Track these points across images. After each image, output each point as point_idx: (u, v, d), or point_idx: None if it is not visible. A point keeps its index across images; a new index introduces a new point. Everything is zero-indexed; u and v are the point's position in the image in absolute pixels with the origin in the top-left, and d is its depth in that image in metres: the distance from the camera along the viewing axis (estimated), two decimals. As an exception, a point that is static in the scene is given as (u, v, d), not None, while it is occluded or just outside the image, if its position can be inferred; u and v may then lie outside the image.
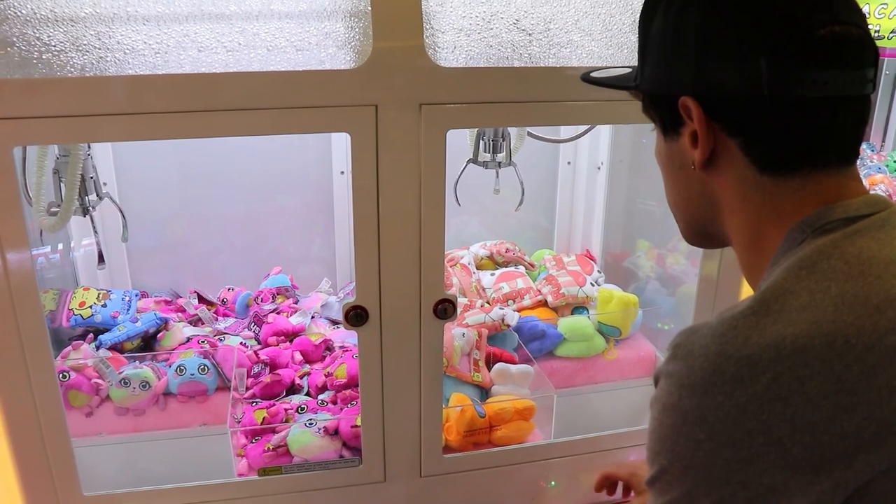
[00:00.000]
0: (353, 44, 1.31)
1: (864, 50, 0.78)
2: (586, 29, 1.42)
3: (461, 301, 2.02)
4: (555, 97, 1.40)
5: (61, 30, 1.20)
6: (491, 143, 1.84)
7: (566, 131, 2.15)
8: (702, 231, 0.95)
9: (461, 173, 1.91)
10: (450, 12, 1.35)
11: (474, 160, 1.89)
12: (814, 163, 0.80)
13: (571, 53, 1.41)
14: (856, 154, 0.83)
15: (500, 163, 1.88)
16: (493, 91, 1.37)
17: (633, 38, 1.43)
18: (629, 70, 1.01)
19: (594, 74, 1.06)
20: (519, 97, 1.38)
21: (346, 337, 1.97)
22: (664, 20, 0.85)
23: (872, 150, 2.91)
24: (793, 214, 0.80)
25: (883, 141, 3.13)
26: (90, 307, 1.94)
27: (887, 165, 2.83)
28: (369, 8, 1.29)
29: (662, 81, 0.87)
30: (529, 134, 1.99)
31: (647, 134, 2.13)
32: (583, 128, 2.05)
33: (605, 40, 1.43)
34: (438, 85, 1.33)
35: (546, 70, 1.39)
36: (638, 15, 1.43)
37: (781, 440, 0.67)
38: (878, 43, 1.96)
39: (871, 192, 0.86)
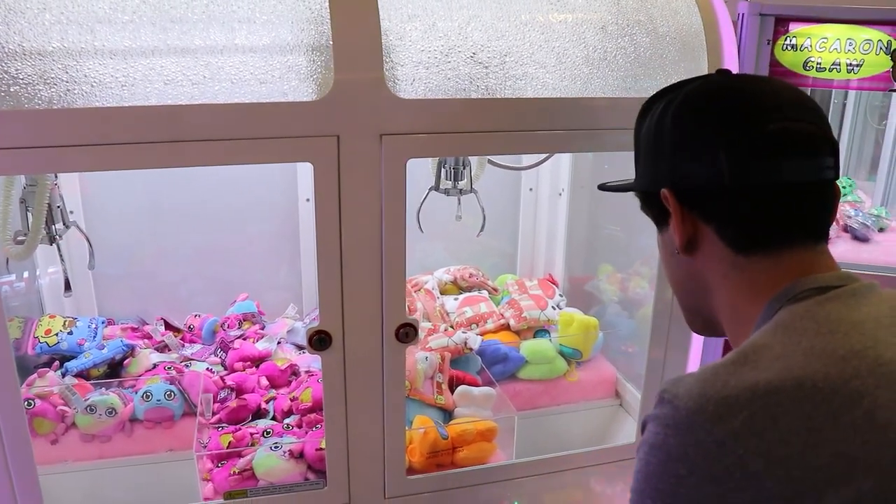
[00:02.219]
0: (315, 76, 1.35)
1: (814, 141, 0.89)
2: (541, 62, 1.47)
3: (425, 325, 2.06)
4: (511, 127, 1.46)
5: (29, 63, 1.23)
6: (452, 170, 1.89)
7: (527, 158, 2.21)
8: (697, 314, 1.05)
9: (423, 201, 1.96)
10: (409, 46, 1.39)
11: (436, 188, 1.94)
12: (783, 242, 0.90)
13: (527, 85, 1.46)
14: (825, 232, 0.93)
15: (461, 190, 1.93)
16: (452, 121, 1.41)
17: (586, 70, 1.50)
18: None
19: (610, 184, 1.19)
20: (476, 127, 1.43)
21: (311, 362, 1.99)
22: (648, 126, 0.98)
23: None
24: (769, 289, 0.89)
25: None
26: (56, 335, 1.95)
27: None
28: (331, 42, 1.33)
29: (649, 179, 1.00)
30: (490, 162, 2.04)
31: (607, 160, 2.19)
32: (542, 155, 2.10)
33: (559, 73, 1.48)
34: (398, 116, 1.38)
35: (502, 101, 1.44)
36: (589, 49, 1.50)
37: (757, 475, 0.73)
38: (821, 75, 2.04)
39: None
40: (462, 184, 1.91)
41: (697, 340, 1.82)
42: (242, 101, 1.32)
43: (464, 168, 1.90)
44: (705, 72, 1.60)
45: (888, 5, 2.11)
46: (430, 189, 1.94)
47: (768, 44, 1.98)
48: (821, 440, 0.73)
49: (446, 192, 1.93)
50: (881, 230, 2.66)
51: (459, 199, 1.99)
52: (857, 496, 0.71)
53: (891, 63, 2.09)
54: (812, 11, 2.00)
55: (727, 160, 0.87)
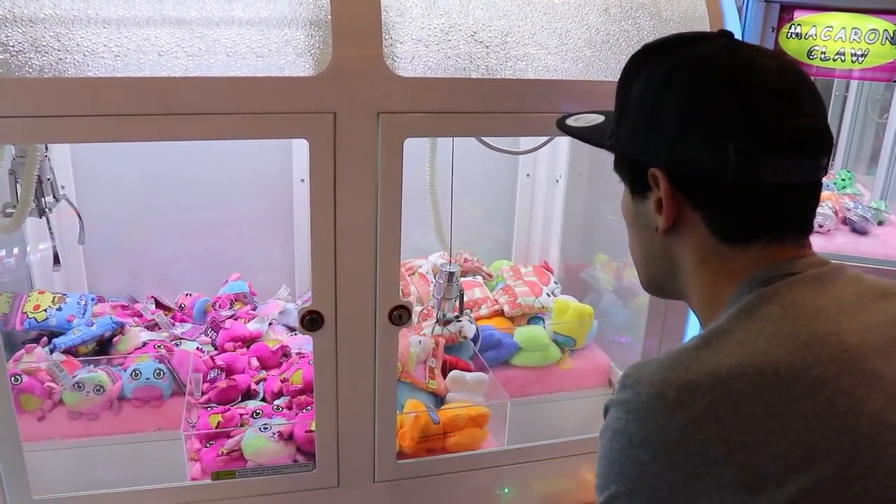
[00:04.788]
0: (312, 52, 1.32)
1: (822, 142, 0.85)
2: (542, 43, 1.45)
3: (419, 310, 2.04)
4: (511, 108, 1.44)
5: (20, 30, 1.20)
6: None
7: (525, 143, 2.18)
8: (659, 286, 1.02)
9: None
10: (409, 23, 1.37)
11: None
12: (771, 236, 0.87)
13: (528, 66, 1.44)
14: (810, 228, 0.90)
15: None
16: (451, 101, 1.39)
17: (588, 53, 1.48)
18: (601, 119, 1.07)
19: (570, 121, 1.11)
20: (476, 107, 1.41)
21: (302, 343, 1.98)
22: (645, 91, 0.90)
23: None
24: (745, 272, 0.87)
25: (832, 160, 3.22)
26: (45, 310, 1.92)
27: (835, 183, 2.90)
28: (329, 17, 1.31)
29: (636, 148, 0.92)
30: (488, 145, 2.01)
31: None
32: (541, 140, 2.08)
33: (560, 54, 1.46)
34: (396, 94, 1.35)
35: (502, 82, 1.42)
36: (592, 31, 1.47)
37: (718, 461, 0.73)
38: (825, 64, 2.03)
39: (820, 208, 0.92)
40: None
41: (693, 331, 1.81)
42: (238, 75, 1.29)
43: (456, 300, 1.94)
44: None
45: (894, -5, 2.10)
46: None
47: (773, 31, 1.96)
48: (782, 427, 0.73)
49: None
50: (880, 223, 2.65)
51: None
52: (816, 482, 0.71)
53: (896, 53, 2.08)
54: (817, -1, 2.00)
55: (735, 153, 0.81)
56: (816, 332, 0.78)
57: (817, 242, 1.00)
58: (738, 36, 1.62)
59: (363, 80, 1.33)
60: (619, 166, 0.98)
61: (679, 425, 0.74)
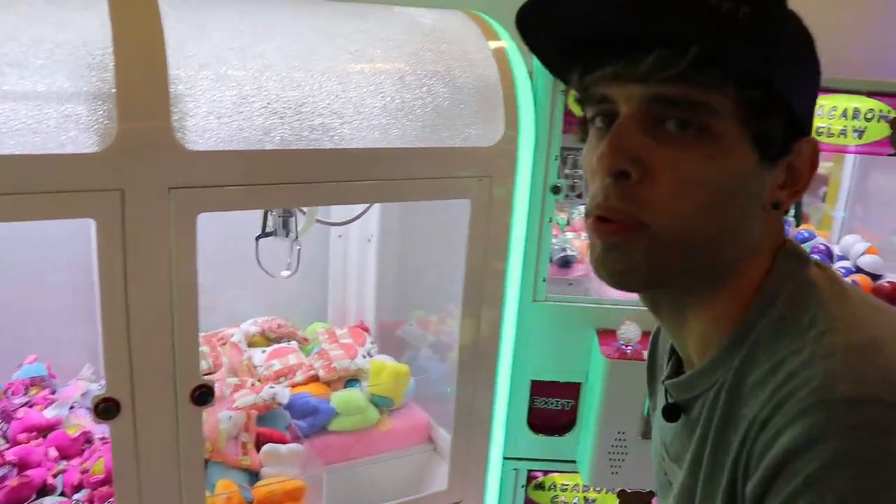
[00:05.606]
0: (96, 126, 1.26)
1: None
2: (338, 112, 1.45)
3: (231, 381, 1.97)
4: (308, 179, 1.43)
5: None
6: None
7: (341, 208, 2.19)
8: (707, 274, 0.83)
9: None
10: (199, 95, 1.34)
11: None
12: None
13: (323, 136, 1.44)
14: None
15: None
16: (245, 174, 1.37)
17: (384, 120, 1.50)
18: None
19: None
20: (271, 179, 1.40)
21: (107, 428, 1.86)
22: (798, 32, 0.77)
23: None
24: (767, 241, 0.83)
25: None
26: None
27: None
28: (114, 90, 1.26)
29: (805, 106, 0.79)
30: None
31: (416, 206, 2.20)
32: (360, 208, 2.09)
33: (356, 123, 1.47)
34: (188, 168, 1.32)
35: (298, 152, 1.41)
36: (387, 99, 1.48)
37: None
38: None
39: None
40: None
41: (503, 377, 1.85)
42: (13, 153, 1.21)
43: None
44: (502, 121, 1.63)
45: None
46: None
47: (563, 93, 2.06)
48: None
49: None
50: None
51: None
52: None
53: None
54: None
55: None
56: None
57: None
58: (529, 98, 1.69)
59: (152, 154, 1.29)
60: (762, 116, 0.75)
61: None
